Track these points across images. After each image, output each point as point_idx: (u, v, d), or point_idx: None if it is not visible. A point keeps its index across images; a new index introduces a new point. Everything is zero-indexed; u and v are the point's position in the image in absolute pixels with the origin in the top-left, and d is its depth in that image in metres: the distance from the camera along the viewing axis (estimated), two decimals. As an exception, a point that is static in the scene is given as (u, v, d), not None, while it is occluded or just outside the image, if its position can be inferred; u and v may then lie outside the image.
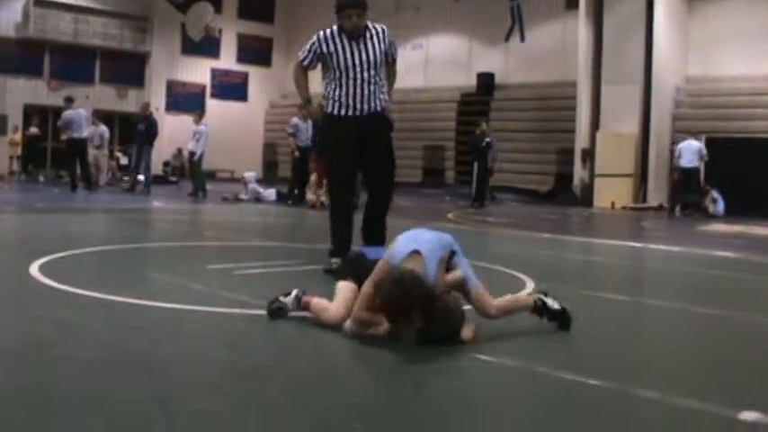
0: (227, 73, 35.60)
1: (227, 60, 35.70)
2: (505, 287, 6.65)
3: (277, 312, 5.37)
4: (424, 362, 4.68)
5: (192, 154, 21.39)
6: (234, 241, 11.11)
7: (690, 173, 21.26)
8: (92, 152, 23.54)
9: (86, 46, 32.50)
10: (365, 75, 7.78)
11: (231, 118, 33.87)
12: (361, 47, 7.78)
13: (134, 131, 22.74)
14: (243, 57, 36.09)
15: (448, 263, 5.21)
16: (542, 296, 5.60)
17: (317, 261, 7.96)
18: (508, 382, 4.35)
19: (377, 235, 7.85)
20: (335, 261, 7.34)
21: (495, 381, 4.37)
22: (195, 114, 22.39)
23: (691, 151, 21.27)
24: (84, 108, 22.17)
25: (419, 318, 4.80)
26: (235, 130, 33.42)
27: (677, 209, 21.45)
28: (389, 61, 8.19)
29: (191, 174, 22.19)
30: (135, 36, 33.45)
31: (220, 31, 34.39)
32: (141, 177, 21.97)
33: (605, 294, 7.50)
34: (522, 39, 27.32)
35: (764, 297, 8.22)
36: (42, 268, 7.09)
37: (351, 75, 7.76)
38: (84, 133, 21.27)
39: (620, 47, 24.03)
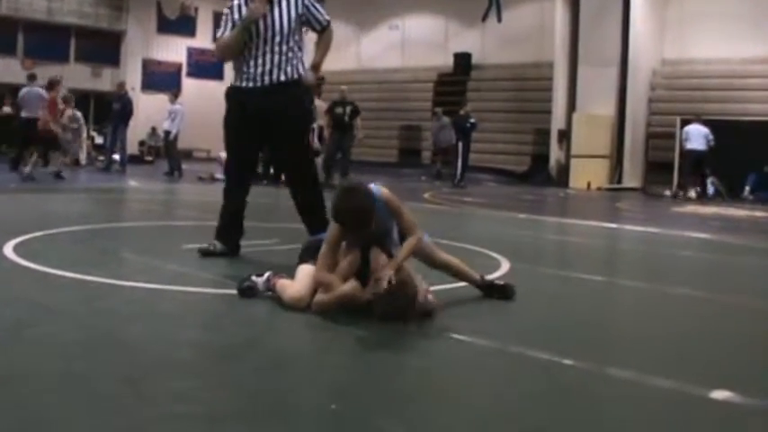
0: (203, 52, 35.32)
1: (203, 39, 35.42)
2: (480, 267, 6.65)
3: (247, 291, 5.36)
4: (398, 341, 4.68)
5: (167, 133, 21.29)
6: (209, 221, 11.06)
7: (700, 155, 21.17)
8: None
9: (61, 24, 32.23)
10: (271, 43, 7.04)
11: (207, 97, 33.56)
12: (270, 13, 7.04)
13: (109, 111, 22.58)
14: (219, 35, 35.92)
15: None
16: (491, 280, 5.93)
17: (292, 240, 7.93)
18: (482, 362, 4.36)
19: (317, 226, 6.89)
20: (214, 243, 7.17)
21: (470, 360, 4.38)
22: (171, 94, 22.27)
23: (699, 134, 21.21)
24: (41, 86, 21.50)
25: (382, 255, 5.00)
26: (211, 108, 32.91)
27: (688, 191, 21.27)
28: (317, 28, 7.42)
29: (166, 153, 22.10)
30: (110, 14, 33.20)
31: (196, 9, 34.15)
32: (116, 157, 21.85)
33: (580, 275, 7.53)
34: (500, 19, 27.31)
35: (737, 277, 8.27)
36: (17, 248, 7.04)
37: (255, 43, 7.05)
38: (39, 112, 20.82)
39: (597, 28, 24.06)
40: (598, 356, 4.52)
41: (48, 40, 31.98)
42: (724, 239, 11.43)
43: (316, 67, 7.44)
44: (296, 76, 7.14)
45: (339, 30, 33.20)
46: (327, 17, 7.46)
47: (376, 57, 32.27)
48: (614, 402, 3.81)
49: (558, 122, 25.32)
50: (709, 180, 21.43)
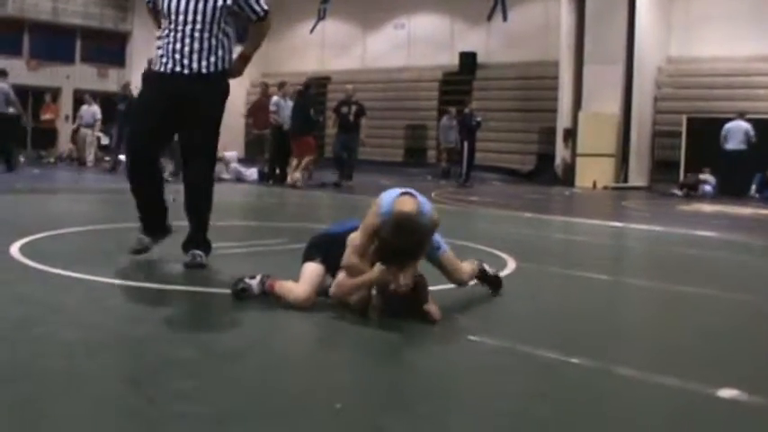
0: (208, 52, 35.42)
1: (209, 39, 35.52)
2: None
3: (241, 294, 5.32)
4: (404, 341, 4.68)
5: (172, 134, 21.28)
6: (214, 221, 11.06)
7: (740, 155, 21.10)
8: (82, 131, 23.61)
9: (66, 25, 32.25)
10: (192, 27, 6.41)
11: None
12: None
13: (115, 111, 22.59)
14: (224, 36, 35.93)
15: None
16: (482, 264, 5.93)
17: (298, 240, 7.92)
18: (489, 361, 4.35)
19: (190, 234, 6.72)
20: (142, 237, 6.80)
21: (477, 359, 4.37)
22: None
23: (740, 131, 21.08)
24: (8, 83, 21.31)
25: (410, 268, 4.88)
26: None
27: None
28: (253, 18, 6.73)
29: (171, 154, 22.08)
30: (116, 15, 33.20)
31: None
32: (122, 157, 21.85)
33: (586, 273, 7.51)
34: (505, 18, 27.25)
35: (744, 275, 8.25)
36: (23, 249, 7.05)
37: (174, 24, 6.46)
38: (10, 109, 20.74)
39: (602, 27, 24.01)
40: (605, 355, 4.51)
41: (53, 41, 32.01)
42: (730, 238, 11.40)
43: (244, 58, 6.83)
44: (220, 67, 6.51)
45: (344, 28, 33.32)
46: (266, 7, 6.76)
47: (381, 56, 32.23)
48: (621, 401, 3.80)
49: (563, 121, 25.27)
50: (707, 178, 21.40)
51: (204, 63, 6.43)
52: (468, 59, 29.52)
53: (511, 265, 7.38)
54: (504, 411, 3.55)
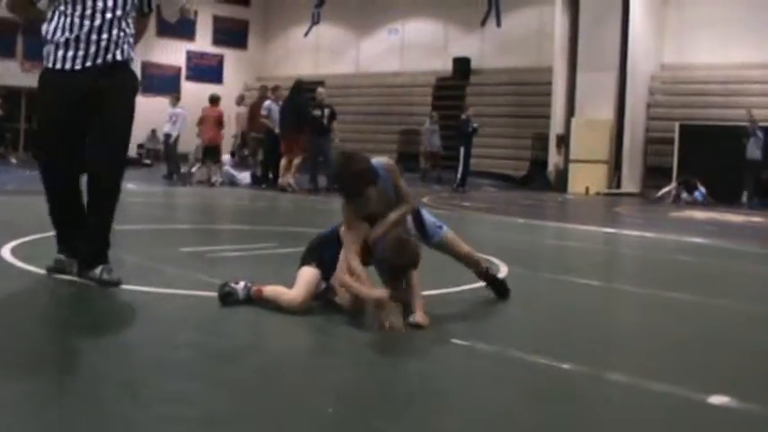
0: (202, 55, 35.33)
1: (203, 43, 35.43)
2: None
3: (227, 297, 5.32)
4: (397, 345, 4.68)
5: (167, 136, 21.25)
6: (207, 224, 11.08)
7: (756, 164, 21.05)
8: None
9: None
10: (112, 15, 5.83)
11: (206, 100, 33.63)
12: None
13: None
14: (218, 39, 35.83)
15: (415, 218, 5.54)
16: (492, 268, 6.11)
17: (290, 244, 7.94)
18: (481, 366, 4.36)
19: (91, 242, 5.93)
20: (58, 257, 6.10)
21: (469, 364, 4.38)
22: (172, 97, 22.22)
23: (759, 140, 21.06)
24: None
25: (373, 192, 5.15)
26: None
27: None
28: (145, 10, 6.25)
29: (165, 156, 22.04)
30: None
31: (196, 13, 34.07)
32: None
33: (578, 279, 7.53)
34: (499, 24, 27.25)
35: (735, 282, 8.27)
36: (15, 251, 7.04)
37: (81, 9, 5.76)
38: None
39: (596, 33, 24.03)
40: (596, 361, 4.52)
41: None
42: (722, 244, 11.43)
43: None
44: (129, 56, 6.03)
45: (338, 33, 33.33)
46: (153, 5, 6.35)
47: (375, 61, 32.23)
48: (612, 406, 3.81)
49: (556, 127, 25.28)
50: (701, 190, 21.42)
51: (120, 51, 5.91)
52: (462, 65, 29.53)
53: (503, 270, 7.38)
54: (495, 416, 3.56)
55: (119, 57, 5.88)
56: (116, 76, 5.91)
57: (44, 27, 5.84)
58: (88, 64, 5.75)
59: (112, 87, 5.88)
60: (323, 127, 18.59)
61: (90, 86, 5.77)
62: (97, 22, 5.74)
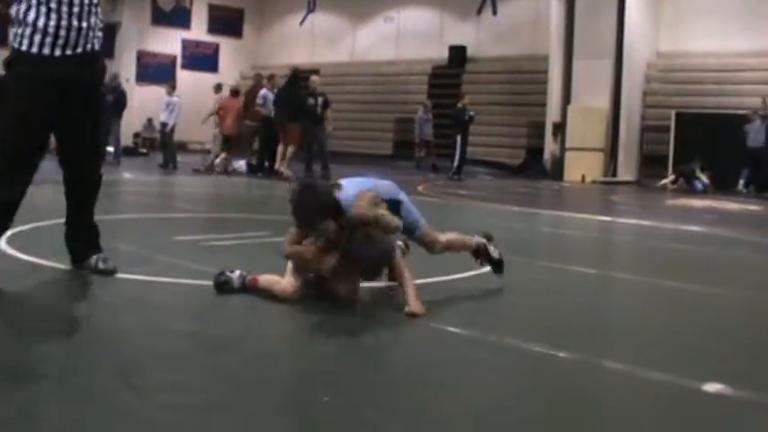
0: (197, 44, 35.25)
1: (198, 31, 35.35)
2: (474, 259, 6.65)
3: (223, 285, 5.32)
4: (392, 334, 4.69)
5: (164, 125, 21.24)
6: (202, 213, 11.07)
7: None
8: None
9: (55, 15, 32.15)
10: (89, 3, 5.61)
11: (202, 89, 33.50)
12: None
13: (103, 103, 22.50)
14: (214, 28, 35.75)
15: (395, 211, 5.30)
16: (486, 241, 5.91)
17: (284, 233, 7.91)
18: (476, 354, 4.35)
19: (84, 244, 5.91)
20: None
21: (464, 352, 4.38)
22: (168, 86, 22.21)
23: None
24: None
25: (329, 226, 5.04)
26: (205, 101, 33.07)
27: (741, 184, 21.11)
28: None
29: (161, 145, 22.02)
30: (104, 6, 32.99)
31: (191, 1, 33.97)
32: (110, 149, 21.79)
33: (574, 267, 7.53)
34: (495, 12, 27.23)
35: (731, 270, 8.28)
36: (10, 240, 7.02)
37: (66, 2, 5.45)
38: None
39: (592, 21, 24.00)
40: (592, 349, 4.52)
41: (42, 32, 31.91)
42: (718, 232, 11.43)
43: None
44: (98, 43, 5.72)
45: (333, 21, 33.27)
46: None
47: (370, 49, 32.18)
48: (607, 394, 3.81)
49: (552, 115, 25.26)
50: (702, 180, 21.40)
51: (96, 41, 5.67)
52: (458, 53, 29.49)
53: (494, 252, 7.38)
54: (491, 404, 3.56)
55: (96, 46, 5.67)
56: (94, 67, 5.72)
57: (15, 6, 5.48)
58: (68, 52, 5.46)
59: (91, 81, 5.72)
60: (317, 115, 18.57)
61: (71, 77, 5.48)
62: (76, 9, 5.47)
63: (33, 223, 8.20)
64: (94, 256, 5.81)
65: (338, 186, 5.20)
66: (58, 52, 5.41)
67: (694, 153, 21.40)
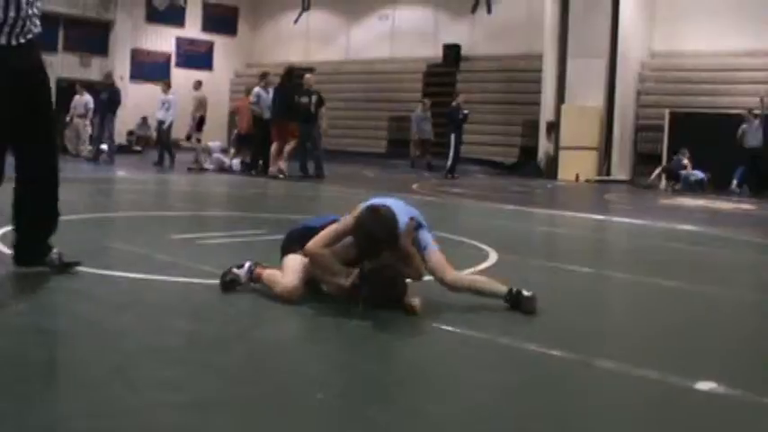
0: (192, 42, 35.22)
1: (193, 29, 35.31)
2: (469, 258, 6.70)
3: (230, 285, 5.32)
4: (388, 332, 4.70)
5: (160, 123, 21.28)
6: (197, 211, 11.09)
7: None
8: (75, 121, 23.60)
9: (49, 13, 31.93)
10: None
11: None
12: None
13: (97, 100, 22.49)
14: (208, 26, 35.72)
15: (413, 235, 5.23)
16: (519, 289, 5.31)
17: (280, 231, 7.93)
18: (470, 353, 4.38)
19: (42, 237, 5.67)
20: None
21: (459, 351, 4.40)
22: (164, 83, 22.23)
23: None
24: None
25: (387, 256, 4.96)
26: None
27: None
28: None
29: (159, 142, 22.01)
30: (99, 4, 32.98)
31: (185, -1, 34.10)
32: (104, 147, 21.79)
33: (567, 266, 7.55)
34: (489, 11, 27.28)
35: (723, 269, 8.31)
36: (4, 238, 7.02)
37: None
38: None
39: (586, 21, 24.03)
40: (585, 347, 4.54)
41: (36, 29, 31.83)
42: (711, 232, 11.47)
43: None
44: (37, 30, 5.48)
45: (328, 19, 33.24)
46: None
47: (365, 47, 32.17)
48: (600, 393, 3.84)
49: (546, 114, 25.30)
50: (688, 173, 21.42)
51: (36, 28, 5.41)
52: (452, 52, 29.50)
53: (492, 257, 7.41)
54: (485, 402, 3.58)
55: (35, 30, 5.41)
56: (37, 58, 5.48)
57: None
58: (14, 42, 5.23)
59: (41, 76, 5.49)
60: (310, 113, 18.53)
61: (23, 69, 5.27)
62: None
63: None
64: (52, 253, 5.65)
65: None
66: (3, 41, 5.18)
67: (688, 152, 21.43)
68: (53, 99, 5.67)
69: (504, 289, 5.31)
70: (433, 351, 4.41)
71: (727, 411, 3.64)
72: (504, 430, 3.29)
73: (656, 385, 3.89)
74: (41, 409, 3.15)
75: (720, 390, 3.82)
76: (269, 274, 5.28)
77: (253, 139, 19.46)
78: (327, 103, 19.70)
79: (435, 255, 5.32)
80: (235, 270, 5.35)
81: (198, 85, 22.05)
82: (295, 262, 5.22)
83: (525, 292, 5.24)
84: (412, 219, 5.22)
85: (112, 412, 3.16)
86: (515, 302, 5.24)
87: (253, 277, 5.32)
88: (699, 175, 21.24)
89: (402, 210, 5.22)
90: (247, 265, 5.36)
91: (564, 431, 3.32)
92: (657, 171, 22.07)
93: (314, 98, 18.66)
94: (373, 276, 4.96)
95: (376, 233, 4.89)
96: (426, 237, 5.35)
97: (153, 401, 3.31)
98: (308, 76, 19.73)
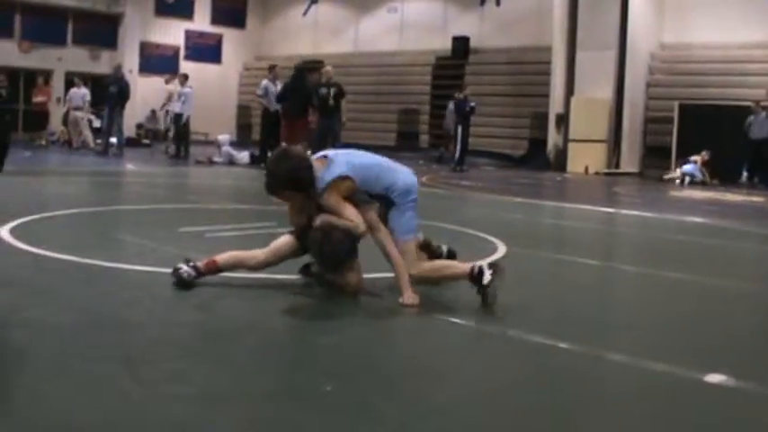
0: (201, 35, 35.20)
1: (202, 22, 35.30)
2: (477, 251, 6.69)
3: (181, 281, 5.26)
4: (394, 324, 4.70)
5: (178, 116, 21.37)
6: (207, 204, 11.09)
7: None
8: (72, 114, 23.68)
9: (58, 6, 32.05)
10: None
11: (205, 80, 33.51)
12: None
13: (106, 93, 22.52)
14: (217, 18, 35.69)
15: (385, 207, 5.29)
16: (484, 266, 5.10)
17: (286, 224, 7.93)
18: (478, 345, 4.38)
19: None
20: None
21: (465, 343, 4.40)
22: (180, 76, 22.35)
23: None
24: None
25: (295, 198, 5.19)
26: (209, 92, 33.05)
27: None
28: None
29: (176, 135, 22.03)
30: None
31: (195, -8, 34.11)
32: (114, 140, 21.82)
33: (576, 259, 7.54)
34: (498, 3, 27.23)
35: (732, 262, 8.28)
36: (14, 231, 7.04)
37: None
38: None
39: (595, 12, 23.96)
40: (593, 340, 4.53)
41: (45, 23, 31.83)
42: (720, 224, 11.44)
43: None
44: None
45: (337, 12, 33.19)
46: None
47: (374, 39, 32.12)
48: (610, 386, 3.83)
49: (555, 106, 25.24)
50: (694, 166, 21.32)
51: None
52: (461, 44, 29.45)
53: (501, 249, 7.40)
54: (491, 395, 3.58)
55: None
56: None
57: None
58: None
59: None
60: (329, 107, 18.37)
61: None
62: None
63: (39, 214, 8.23)
64: None
65: (326, 159, 5.21)
66: None
67: (698, 144, 21.35)
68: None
69: (466, 269, 5.11)
70: (440, 342, 4.41)
71: (738, 404, 3.63)
72: (511, 422, 3.28)
73: (666, 378, 3.88)
74: (48, 402, 3.16)
75: (731, 383, 3.81)
76: (230, 255, 5.37)
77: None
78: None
79: (399, 245, 5.17)
80: (182, 266, 5.30)
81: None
82: (280, 241, 5.37)
83: (487, 274, 4.99)
84: (345, 177, 5.12)
85: (120, 405, 3.16)
86: (479, 279, 5.02)
87: (202, 271, 5.29)
88: (694, 173, 21.16)
89: (342, 165, 5.16)
90: (184, 267, 5.29)
91: (571, 424, 3.32)
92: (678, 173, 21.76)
93: (332, 90, 18.53)
94: (307, 236, 5.10)
95: (284, 171, 5.11)
96: (399, 221, 5.25)
97: (162, 394, 3.31)
98: (327, 68, 19.66)
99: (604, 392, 3.74)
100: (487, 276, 4.99)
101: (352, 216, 5.07)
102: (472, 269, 5.06)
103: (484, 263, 5.22)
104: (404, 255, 5.14)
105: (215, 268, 5.31)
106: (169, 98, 23.43)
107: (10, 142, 5.23)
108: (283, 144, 18.01)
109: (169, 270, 5.45)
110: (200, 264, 5.30)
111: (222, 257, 5.34)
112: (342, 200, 5.10)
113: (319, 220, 5.08)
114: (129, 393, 3.29)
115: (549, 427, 3.25)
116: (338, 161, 5.18)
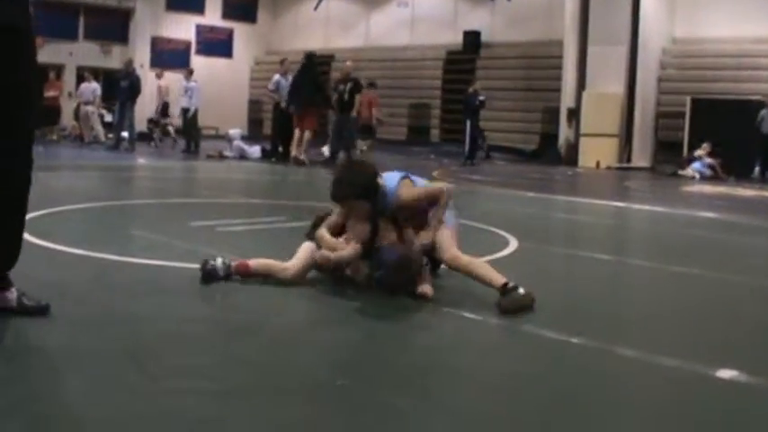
0: (212, 29, 35.22)
1: (213, 16, 35.32)
2: (489, 245, 6.68)
3: (209, 275, 5.23)
4: (408, 319, 4.70)
5: (185, 110, 21.43)
6: (218, 198, 11.10)
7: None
8: (82, 108, 23.77)
9: (70, 1, 32.16)
10: None
11: (216, 75, 33.57)
12: None
13: (118, 88, 22.56)
14: (228, 13, 35.71)
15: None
16: (516, 285, 4.97)
17: (300, 218, 7.95)
18: (491, 340, 4.38)
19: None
20: None
21: (479, 338, 4.40)
22: (186, 71, 22.45)
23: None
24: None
25: (364, 206, 5.15)
26: (220, 86, 33.11)
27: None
28: None
29: (184, 130, 22.10)
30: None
31: (205, -13, 34.13)
32: (125, 134, 21.86)
33: (588, 254, 7.52)
34: (509, -3, 27.22)
35: (745, 256, 8.25)
36: (26, 225, 7.04)
37: None
38: None
39: (607, 6, 23.90)
40: (605, 335, 4.52)
41: (56, 18, 31.87)
42: (732, 219, 11.41)
43: None
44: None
45: (348, 6, 33.18)
46: None
47: (385, 34, 32.10)
48: (621, 381, 3.82)
49: (567, 101, 25.19)
50: (705, 161, 21.25)
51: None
52: (472, 38, 29.41)
53: (513, 244, 7.39)
54: (503, 389, 3.58)
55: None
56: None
57: None
58: None
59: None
60: (343, 103, 18.37)
61: None
62: None
63: (51, 208, 8.24)
64: (13, 291, 4.33)
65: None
66: None
67: (710, 139, 21.29)
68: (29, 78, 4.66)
69: (501, 280, 4.99)
70: (452, 337, 4.40)
71: (749, 399, 3.61)
72: (523, 417, 3.28)
73: (677, 373, 3.87)
74: (58, 397, 3.17)
75: (742, 378, 3.80)
76: (263, 263, 5.32)
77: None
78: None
79: (444, 230, 5.28)
80: (212, 261, 5.27)
81: (160, 74, 22.38)
82: (303, 248, 5.32)
83: (521, 290, 4.92)
84: (406, 177, 5.37)
85: (131, 400, 3.17)
86: (512, 289, 4.94)
87: (232, 272, 5.27)
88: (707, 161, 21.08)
89: (395, 173, 5.40)
90: (220, 260, 5.29)
91: (583, 418, 3.31)
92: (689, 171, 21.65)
93: (348, 86, 18.49)
94: (385, 255, 4.99)
95: (355, 180, 5.14)
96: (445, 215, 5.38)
97: (174, 389, 3.31)
98: (348, 63, 19.69)
99: (617, 388, 3.73)
100: (522, 290, 4.91)
101: (432, 188, 5.43)
102: (507, 283, 4.95)
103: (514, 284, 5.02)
104: (444, 237, 5.26)
105: (245, 272, 5.29)
106: (160, 93, 23.58)
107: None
108: (298, 132, 18.06)
109: (180, 264, 5.45)
110: (233, 263, 5.30)
111: (255, 263, 5.32)
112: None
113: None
114: (140, 388, 3.29)
115: (564, 421, 3.25)
116: (389, 174, 5.38)
